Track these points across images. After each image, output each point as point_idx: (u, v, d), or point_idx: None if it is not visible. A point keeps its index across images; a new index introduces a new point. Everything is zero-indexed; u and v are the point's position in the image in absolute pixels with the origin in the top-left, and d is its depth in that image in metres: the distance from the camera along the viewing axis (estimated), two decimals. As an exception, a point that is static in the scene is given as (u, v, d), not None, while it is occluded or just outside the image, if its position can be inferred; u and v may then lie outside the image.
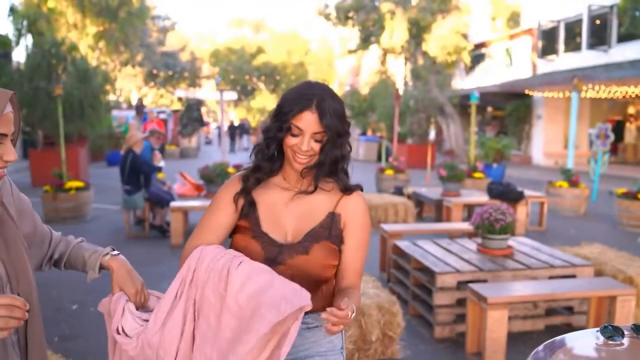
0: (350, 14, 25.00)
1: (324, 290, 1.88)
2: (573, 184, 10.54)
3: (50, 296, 5.40)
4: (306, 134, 1.77)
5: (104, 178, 12.28)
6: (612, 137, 11.81)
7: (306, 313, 1.73)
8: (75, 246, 1.85)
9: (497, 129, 23.94)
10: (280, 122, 1.79)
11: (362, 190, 1.93)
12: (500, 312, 3.95)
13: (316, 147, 1.79)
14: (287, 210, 1.86)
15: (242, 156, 23.42)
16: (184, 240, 7.64)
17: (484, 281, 4.58)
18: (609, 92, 18.37)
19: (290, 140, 1.79)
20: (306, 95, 1.78)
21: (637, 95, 18.94)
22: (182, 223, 7.90)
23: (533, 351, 2.05)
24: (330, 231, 1.83)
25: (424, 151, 19.43)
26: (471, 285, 4.17)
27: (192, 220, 8.89)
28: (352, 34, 27.16)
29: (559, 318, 4.85)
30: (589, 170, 12.43)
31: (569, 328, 4.78)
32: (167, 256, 7.20)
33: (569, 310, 4.90)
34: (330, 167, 1.84)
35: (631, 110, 22.72)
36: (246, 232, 1.85)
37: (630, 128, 22.61)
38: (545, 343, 2.13)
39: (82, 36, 21.10)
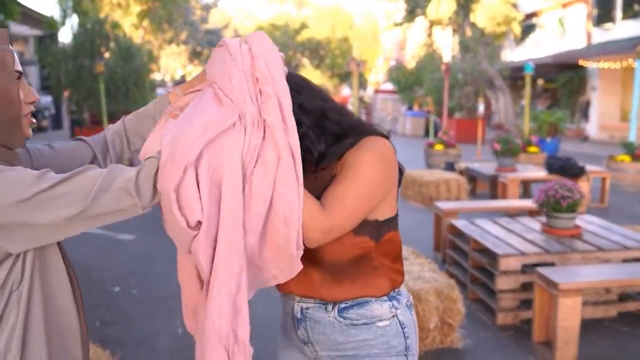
0: (396, -14, 24.37)
1: (352, 277, 1.56)
2: (636, 157, 9.93)
3: (91, 279, 5.25)
4: None
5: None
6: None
7: (340, 307, 1.58)
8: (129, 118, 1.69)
9: (549, 102, 23.14)
10: None
11: (385, 135, 1.60)
12: (572, 299, 3.58)
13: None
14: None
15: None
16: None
17: (551, 264, 4.20)
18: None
19: None
20: None
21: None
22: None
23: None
24: None
25: (472, 125, 18.87)
26: (539, 269, 3.80)
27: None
28: (397, 6, 26.47)
29: (634, 304, 4.44)
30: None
31: (645, 315, 4.39)
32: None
33: (645, 295, 4.50)
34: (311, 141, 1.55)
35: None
36: None
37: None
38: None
39: (126, 15, 21.10)
